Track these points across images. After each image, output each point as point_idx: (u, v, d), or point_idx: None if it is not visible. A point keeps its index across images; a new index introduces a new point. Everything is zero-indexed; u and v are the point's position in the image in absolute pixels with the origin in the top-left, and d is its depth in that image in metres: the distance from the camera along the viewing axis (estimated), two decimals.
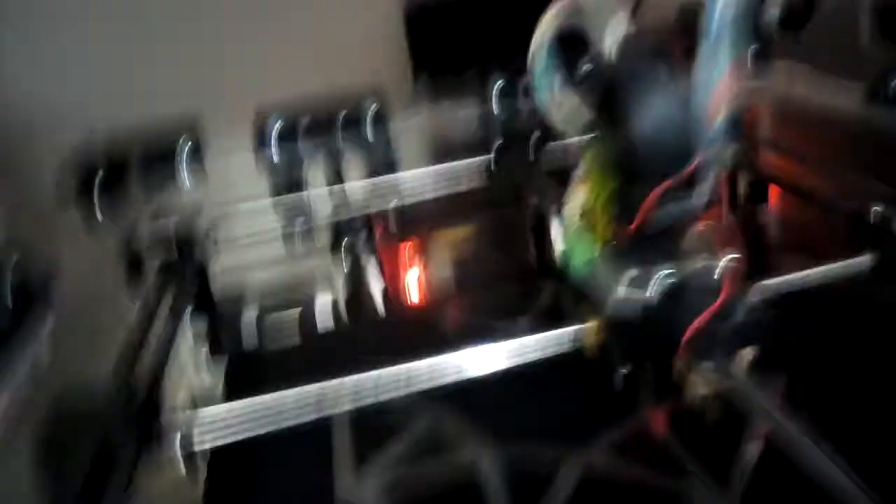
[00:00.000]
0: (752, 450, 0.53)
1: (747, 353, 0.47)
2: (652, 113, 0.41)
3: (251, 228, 1.08)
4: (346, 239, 1.07)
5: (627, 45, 0.47)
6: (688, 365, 0.54)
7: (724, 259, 0.48)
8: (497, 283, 0.85)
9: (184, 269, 0.91)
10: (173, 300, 0.84)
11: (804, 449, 0.43)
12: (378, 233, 1.08)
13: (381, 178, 1.03)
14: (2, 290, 0.66)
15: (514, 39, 0.61)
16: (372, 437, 0.63)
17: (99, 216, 0.84)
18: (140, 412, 0.60)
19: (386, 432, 0.63)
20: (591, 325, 0.59)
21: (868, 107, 0.80)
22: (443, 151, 1.12)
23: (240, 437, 0.60)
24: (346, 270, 1.11)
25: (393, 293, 1.09)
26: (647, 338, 0.52)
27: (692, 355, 0.49)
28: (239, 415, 0.61)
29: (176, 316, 0.82)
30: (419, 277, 1.15)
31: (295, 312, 1.06)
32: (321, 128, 0.99)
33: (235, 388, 0.76)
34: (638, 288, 0.50)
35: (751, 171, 0.88)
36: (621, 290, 0.50)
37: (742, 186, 0.90)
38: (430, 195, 1.08)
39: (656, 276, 0.49)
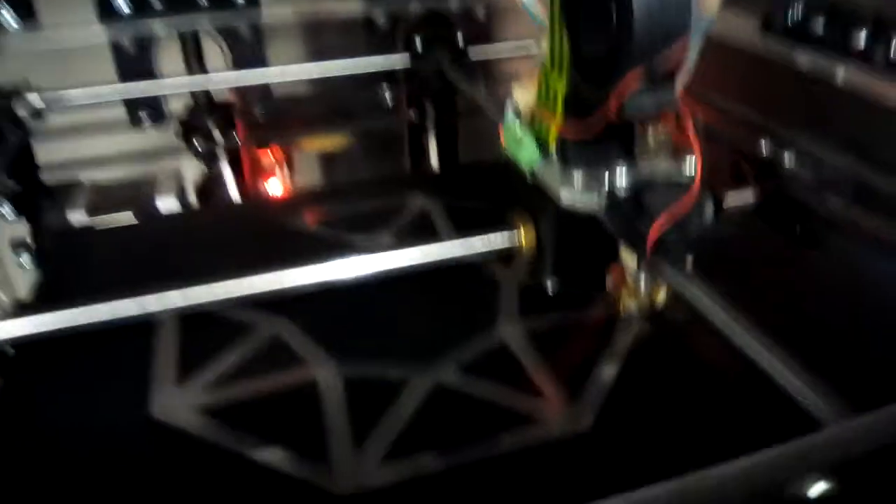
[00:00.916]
0: (612, 370, 0.51)
1: (689, 263, 0.43)
2: None
3: (88, 118, 0.92)
4: (199, 137, 0.94)
5: None
6: (624, 275, 0.51)
7: (685, 164, 0.44)
8: (363, 196, 0.78)
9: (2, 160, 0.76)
10: None
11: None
12: (238, 133, 0.97)
13: (246, 70, 0.91)
14: None
15: None
16: (201, 348, 0.54)
17: None
18: None
19: (217, 343, 0.54)
20: (526, 229, 0.54)
21: (763, 37, 0.80)
22: (320, 48, 1.02)
23: (44, 337, 0.51)
24: (196, 173, 0.99)
25: (249, 199, 0.99)
26: (592, 243, 0.48)
27: (641, 262, 0.45)
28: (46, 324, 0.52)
29: None
30: (280, 184, 1.05)
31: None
32: (180, 4, 0.86)
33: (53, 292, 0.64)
34: (589, 189, 0.45)
35: None
36: (570, 192, 0.45)
37: None
38: (301, 95, 0.98)
39: (609, 176, 0.44)
